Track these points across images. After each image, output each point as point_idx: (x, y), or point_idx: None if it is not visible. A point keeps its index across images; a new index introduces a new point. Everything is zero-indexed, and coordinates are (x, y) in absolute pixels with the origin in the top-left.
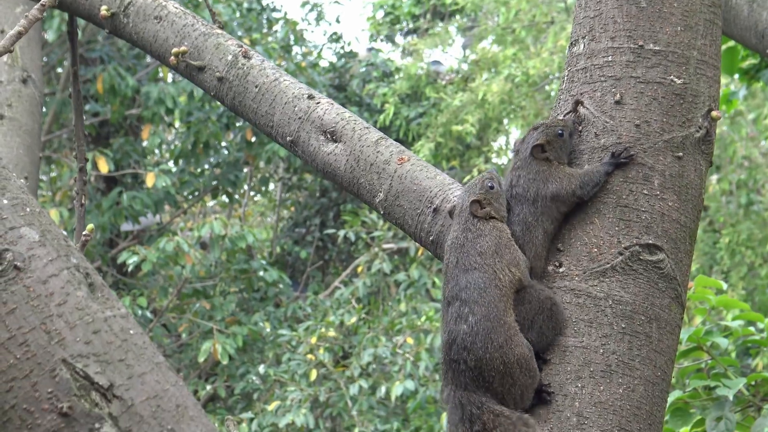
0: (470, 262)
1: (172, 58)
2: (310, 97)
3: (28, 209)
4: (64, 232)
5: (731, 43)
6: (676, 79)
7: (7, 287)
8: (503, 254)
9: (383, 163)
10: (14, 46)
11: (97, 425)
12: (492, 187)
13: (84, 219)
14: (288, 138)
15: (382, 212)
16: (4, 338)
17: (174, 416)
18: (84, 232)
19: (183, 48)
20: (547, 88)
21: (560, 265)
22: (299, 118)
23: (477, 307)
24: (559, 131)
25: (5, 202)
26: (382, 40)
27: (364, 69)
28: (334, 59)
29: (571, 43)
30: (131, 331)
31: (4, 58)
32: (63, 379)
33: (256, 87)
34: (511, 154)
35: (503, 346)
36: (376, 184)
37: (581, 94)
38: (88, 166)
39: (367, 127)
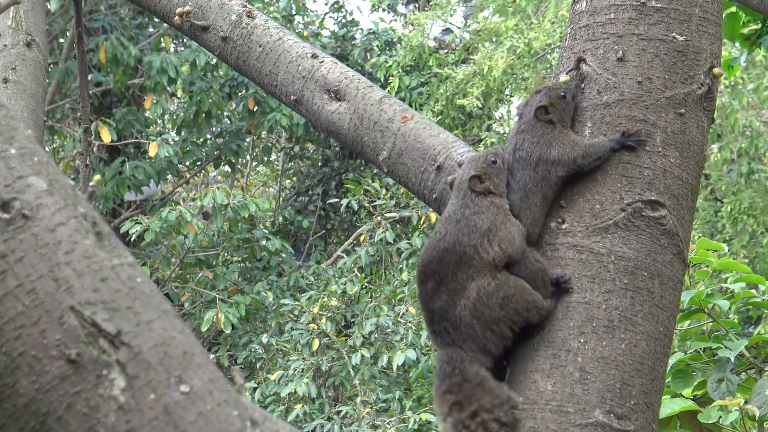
0: (455, 241)
1: (177, 18)
2: (314, 56)
3: (35, 158)
4: (72, 182)
5: (733, 8)
6: (678, 36)
7: (16, 235)
8: (497, 231)
9: (387, 122)
10: (19, 10)
11: (104, 372)
12: (495, 162)
13: (88, 180)
14: (292, 97)
15: (385, 170)
16: (13, 286)
17: (181, 363)
18: (91, 183)
19: (187, 8)
20: (548, 57)
21: (563, 222)
22: (303, 77)
23: (447, 256)
24: (562, 93)
25: (13, 151)
26: (384, 10)
27: (365, 38)
28: (336, 28)
29: (574, 0)
30: (138, 279)
31: (8, 21)
32: (71, 326)
33: (260, 46)
34: (514, 119)
35: (484, 316)
36: (379, 142)
37: (584, 51)
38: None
39: (371, 86)
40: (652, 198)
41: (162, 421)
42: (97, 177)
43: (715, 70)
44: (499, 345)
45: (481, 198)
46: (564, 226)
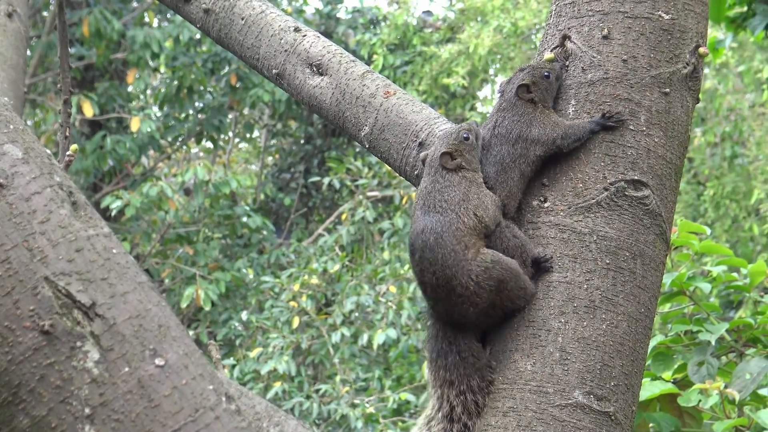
0: (433, 205)
1: None
2: (297, 29)
3: (11, 126)
4: (48, 151)
5: None
6: (664, 15)
7: None
8: (470, 199)
9: (369, 97)
10: None
11: (78, 343)
12: (467, 138)
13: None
14: (274, 71)
15: (367, 146)
16: None
17: (156, 336)
18: (67, 153)
19: None
20: (533, 38)
21: (545, 200)
22: (285, 50)
23: (433, 254)
24: (546, 73)
25: None
26: None
27: (350, 15)
28: (320, 5)
29: None
30: (114, 251)
31: None
32: (45, 296)
33: (242, 19)
34: (497, 95)
35: (470, 289)
36: (361, 117)
37: (569, 28)
38: (73, 109)
39: (354, 61)
40: (636, 177)
41: (136, 395)
42: (74, 147)
43: (701, 50)
44: (492, 322)
45: (452, 173)
46: (546, 205)
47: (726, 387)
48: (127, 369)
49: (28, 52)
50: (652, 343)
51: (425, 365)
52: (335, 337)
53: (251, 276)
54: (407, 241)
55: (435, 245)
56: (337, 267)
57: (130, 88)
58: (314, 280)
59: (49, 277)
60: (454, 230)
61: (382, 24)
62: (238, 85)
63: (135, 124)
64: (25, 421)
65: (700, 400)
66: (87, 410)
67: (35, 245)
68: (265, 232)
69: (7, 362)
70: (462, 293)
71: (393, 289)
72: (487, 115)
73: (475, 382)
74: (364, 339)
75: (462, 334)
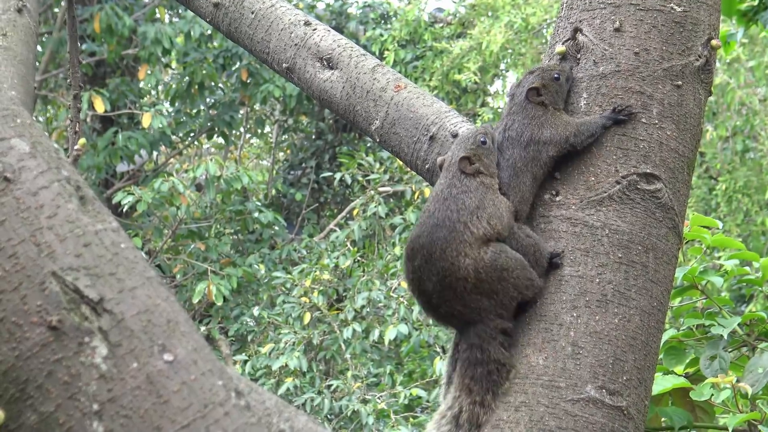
0: (445, 217)
1: None
2: (307, 23)
3: (18, 120)
4: (56, 145)
5: None
6: (676, 7)
7: None
8: (485, 208)
9: (380, 91)
10: None
11: (86, 339)
12: (484, 143)
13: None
14: (284, 65)
15: (378, 140)
16: None
17: (165, 331)
18: (75, 147)
19: None
20: (544, 32)
21: (557, 194)
22: (295, 44)
23: (435, 267)
24: (556, 75)
25: None
26: None
27: (361, 11)
28: (331, 0)
29: None
30: (122, 245)
31: None
32: (52, 292)
33: (252, 13)
34: (507, 99)
35: (471, 279)
36: (372, 111)
37: (580, 21)
38: (84, 105)
39: (364, 54)
40: (648, 171)
41: (145, 391)
42: (82, 141)
43: (713, 42)
44: (509, 307)
45: (470, 178)
46: (558, 199)
47: (738, 381)
48: (135, 365)
49: (39, 48)
50: (665, 337)
51: (437, 361)
52: (347, 333)
53: (263, 271)
54: (409, 238)
55: (440, 258)
56: (348, 262)
57: (141, 84)
58: (326, 276)
59: (56, 272)
60: (459, 242)
61: (393, 19)
62: (249, 81)
63: (146, 120)
64: (33, 417)
65: (712, 395)
66: (95, 406)
67: (43, 240)
68: (276, 228)
69: (14, 358)
70: (465, 285)
71: (405, 284)
72: (500, 110)
73: (489, 397)
74: (375, 334)
75: (488, 340)
